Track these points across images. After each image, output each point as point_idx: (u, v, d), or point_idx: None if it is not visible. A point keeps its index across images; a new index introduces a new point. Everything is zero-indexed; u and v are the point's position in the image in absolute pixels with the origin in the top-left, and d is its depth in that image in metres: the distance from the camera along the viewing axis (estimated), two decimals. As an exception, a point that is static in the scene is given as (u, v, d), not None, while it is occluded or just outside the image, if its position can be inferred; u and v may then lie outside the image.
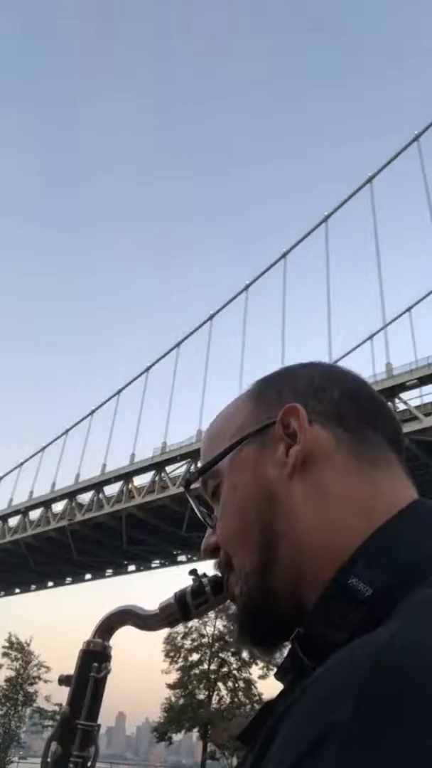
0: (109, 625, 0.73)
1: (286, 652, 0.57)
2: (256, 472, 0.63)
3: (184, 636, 30.58)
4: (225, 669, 30.59)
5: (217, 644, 30.37)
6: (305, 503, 0.59)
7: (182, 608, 0.71)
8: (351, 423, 0.63)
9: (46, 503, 47.27)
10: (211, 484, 0.69)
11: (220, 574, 0.69)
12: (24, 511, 48.78)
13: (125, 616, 0.74)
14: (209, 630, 30.50)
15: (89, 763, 0.67)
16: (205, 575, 0.71)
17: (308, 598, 0.56)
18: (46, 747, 0.67)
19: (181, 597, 0.71)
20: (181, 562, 45.42)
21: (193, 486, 0.71)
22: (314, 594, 0.55)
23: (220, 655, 30.54)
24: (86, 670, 0.70)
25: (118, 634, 0.74)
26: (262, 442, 0.64)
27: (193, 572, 0.72)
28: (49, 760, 0.67)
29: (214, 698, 30.23)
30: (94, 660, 0.70)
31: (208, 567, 0.72)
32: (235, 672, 30.54)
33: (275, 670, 0.55)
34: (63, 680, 0.71)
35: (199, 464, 0.70)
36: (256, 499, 0.62)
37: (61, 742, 0.67)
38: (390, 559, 0.52)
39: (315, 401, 0.64)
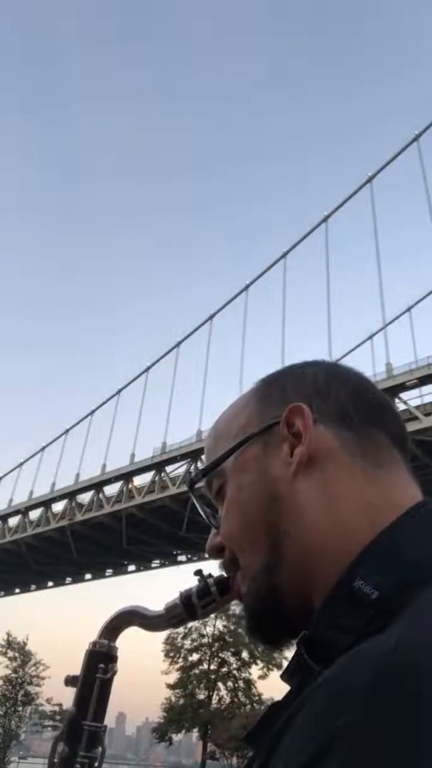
0: (115, 626, 0.73)
1: (290, 652, 0.58)
2: (260, 473, 0.63)
3: (184, 636, 30.59)
4: (225, 669, 30.60)
5: (217, 644, 30.37)
6: (310, 504, 0.59)
7: (188, 609, 0.71)
8: (356, 422, 0.62)
9: (46, 503, 47.26)
10: (215, 484, 0.68)
11: (225, 575, 0.69)
12: (24, 511, 48.77)
13: (131, 617, 0.73)
14: (209, 630, 30.51)
15: (96, 764, 0.68)
16: (210, 576, 0.71)
17: (315, 598, 0.56)
18: (52, 747, 0.67)
19: (186, 597, 0.71)
20: (181, 562, 45.45)
21: (196, 486, 0.70)
22: (321, 594, 0.55)
23: (220, 655, 30.54)
24: (92, 670, 0.70)
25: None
26: (266, 441, 0.64)
27: (199, 572, 0.72)
28: (56, 760, 0.67)
29: (214, 698, 30.25)
30: (101, 661, 0.70)
31: (211, 567, 0.73)
32: (235, 672, 30.54)
33: (275, 670, 0.57)
34: (69, 681, 0.70)
35: (203, 464, 0.70)
36: (260, 500, 0.62)
37: (68, 743, 0.67)
38: (395, 561, 0.52)
39: (319, 400, 0.63)
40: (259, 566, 0.61)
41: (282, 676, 0.57)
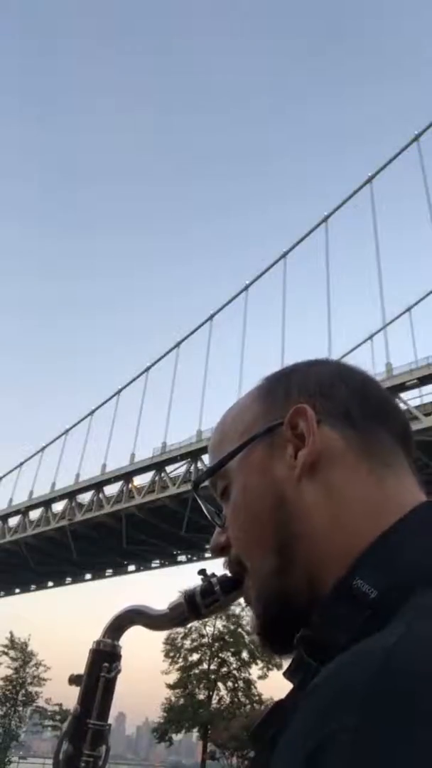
0: (119, 625, 0.73)
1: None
2: (265, 474, 0.63)
3: (184, 636, 30.61)
4: (225, 669, 30.63)
5: (217, 644, 30.38)
6: (315, 506, 0.59)
7: (192, 608, 0.71)
8: (360, 422, 0.62)
9: (46, 503, 47.25)
10: (220, 485, 0.68)
11: (229, 574, 0.69)
12: (24, 511, 48.76)
13: (134, 616, 0.73)
14: (209, 630, 30.52)
15: (100, 762, 0.68)
16: (214, 575, 0.71)
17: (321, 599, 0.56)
18: (57, 746, 0.67)
19: (190, 597, 0.71)
20: (181, 562, 45.46)
21: (201, 486, 0.70)
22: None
23: (220, 655, 30.57)
24: (97, 669, 0.70)
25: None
26: (270, 443, 0.64)
27: (202, 572, 0.72)
28: (61, 758, 0.67)
29: (214, 698, 30.27)
30: (105, 660, 0.70)
31: (212, 567, 0.73)
32: (234, 672, 30.58)
33: (275, 670, 0.57)
34: (73, 680, 0.70)
35: (203, 464, 0.70)
36: (267, 502, 0.62)
37: (72, 741, 0.67)
38: (396, 561, 0.52)
39: (324, 400, 0.63)
40: (269, 569, 0.61)
41: (284, 674, 0.57)
